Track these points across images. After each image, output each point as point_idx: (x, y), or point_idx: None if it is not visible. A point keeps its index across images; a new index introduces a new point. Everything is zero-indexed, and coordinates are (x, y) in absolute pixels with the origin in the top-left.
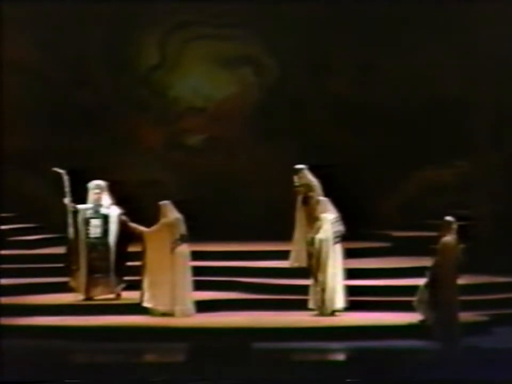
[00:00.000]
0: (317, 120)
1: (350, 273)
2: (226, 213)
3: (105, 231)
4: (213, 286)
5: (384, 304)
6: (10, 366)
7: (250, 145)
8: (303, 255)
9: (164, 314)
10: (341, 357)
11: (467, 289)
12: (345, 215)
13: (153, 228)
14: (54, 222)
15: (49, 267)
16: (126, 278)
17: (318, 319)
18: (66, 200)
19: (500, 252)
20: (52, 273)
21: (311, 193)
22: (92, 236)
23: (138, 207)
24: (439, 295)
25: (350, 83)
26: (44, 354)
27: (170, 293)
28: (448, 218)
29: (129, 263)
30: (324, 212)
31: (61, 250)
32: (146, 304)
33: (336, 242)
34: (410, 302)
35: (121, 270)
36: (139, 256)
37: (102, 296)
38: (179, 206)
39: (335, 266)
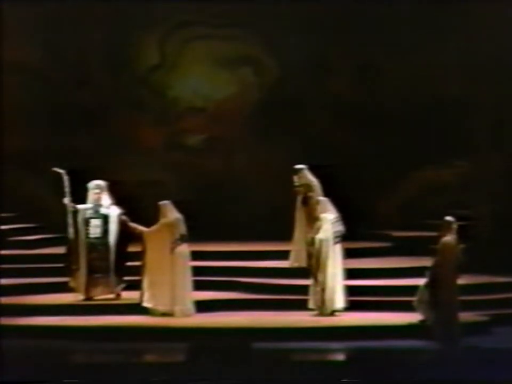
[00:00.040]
0: (317, 120)
1: (350, 273)
2: (226, 213)
3: (105, 231)
4: (213, 286)
5: (384, 304)
6: (10, 366)
7: (250, 145)
8: (303, 255)
9: (163, 314)
10: (340, 357)
11: (467, 289)
12: (345, 215)
13: (153, 227)
14: (54, 222)
15: (49, 267)
16: (126, 278)
17: (318, 319)
18: (66, 200)
19: (500, 252)
20: (52, 273)
21: (311, 193)
22: (91, 236)
23: (138, 207)
24: (439, 295)
25: (350, 83)
26: (44, 354)
27: (170, 293)
28: (448, 218)
29: (129, 263)
30: (324, 212)
31: (61, 250)
32: (146, 304)
33: (336, 242)
34: (410, 302)
35: (121, 270)
36: (139, 256)
37: (102, 296)
38: (179, 206)
39: (335, 266)
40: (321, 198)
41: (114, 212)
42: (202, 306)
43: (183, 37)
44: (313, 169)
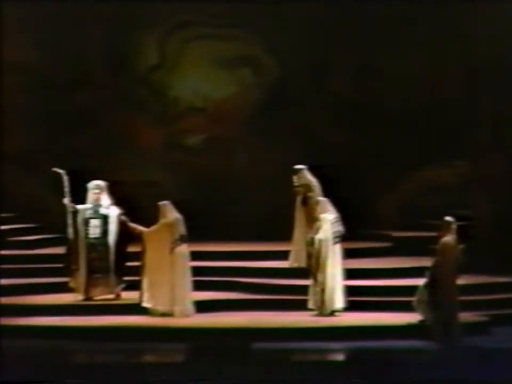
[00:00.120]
0: (317, 120)
1: (350, 273)
2: (226, 213)
3: (105, 231)
4: (212, 286)
5: (384, 304)
6: (10, 366)
7: (250, 145)
8: (303, 255)
9: (163, 315)
10: (340, 357)
11: (467, 289)
12: (345, 215)
13: (153, 228)
14: (54, 222)
15: (49, 267)
16: (126, 278)
17: (318, 319)
18: (66, 200)
19: (500, 252)
20: (52, 273)
21: (310, 194)
22: (91, 236)
23: (138, 207)
24: (439, 295)
25: (350, 83)
26: (44, 354)
27: (170, 293)
28: (448, 218)
29: (129, 263)
30: (324, 212)
31: (60, 250)
32: (145, 304)
33: (335, 243)
34: (410, 302)
35: (121, 270)
36: (139, 256)
37: (102, 296)
38: (179, 206)
39: (334, 266)
40: (321, 198)
41: (114, 212)
42: (202, 307)
43: (183, 37)
44: (313, 169)
